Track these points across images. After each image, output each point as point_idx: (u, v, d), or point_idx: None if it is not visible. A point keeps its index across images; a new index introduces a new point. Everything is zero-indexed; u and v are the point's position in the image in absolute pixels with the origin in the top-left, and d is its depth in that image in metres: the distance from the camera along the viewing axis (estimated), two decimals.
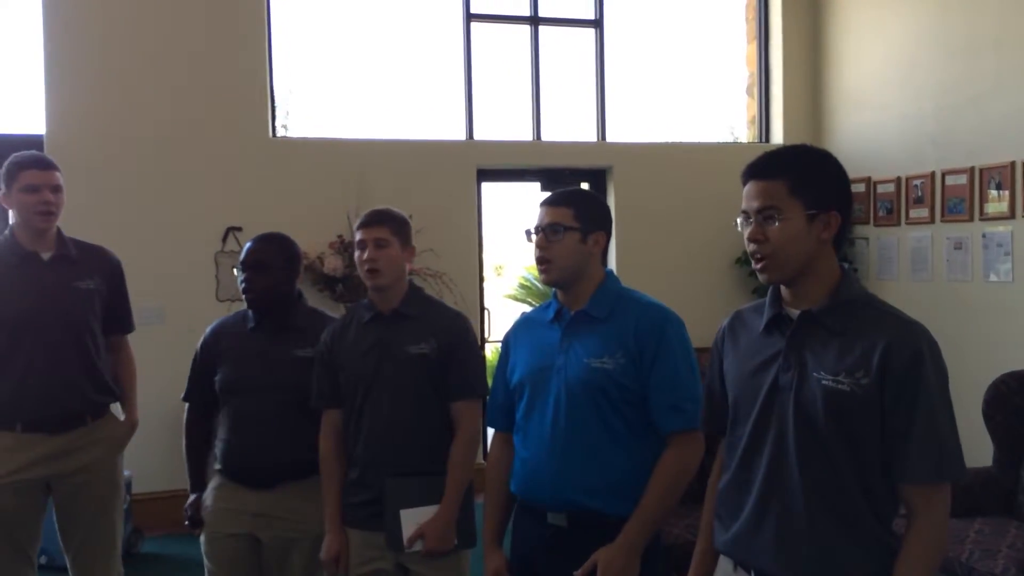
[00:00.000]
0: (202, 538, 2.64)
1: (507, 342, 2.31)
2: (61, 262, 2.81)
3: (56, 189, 2.78)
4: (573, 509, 2.05)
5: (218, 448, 2.65)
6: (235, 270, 2.62)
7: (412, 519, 2.36)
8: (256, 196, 5.12)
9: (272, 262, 2.58)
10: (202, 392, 2.69)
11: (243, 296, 2.60)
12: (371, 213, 2.48)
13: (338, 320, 2.62)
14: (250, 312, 2.64)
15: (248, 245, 2.62)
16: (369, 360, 2.44)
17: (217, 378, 2.63)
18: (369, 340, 2.46)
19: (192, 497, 2.67)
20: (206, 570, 2.64)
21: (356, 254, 2.47)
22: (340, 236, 5.15)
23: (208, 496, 2.64)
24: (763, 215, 1.63)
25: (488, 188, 5.77)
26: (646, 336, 2.05)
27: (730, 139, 6.52)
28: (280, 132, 5.48)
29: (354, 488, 2.48)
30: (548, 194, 2.21)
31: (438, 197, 5.38)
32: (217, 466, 2.66)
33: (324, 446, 2.55)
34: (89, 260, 2.89)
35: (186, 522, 2.67)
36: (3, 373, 2.72)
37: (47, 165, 2.79)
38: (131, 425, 3.01)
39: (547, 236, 2.10)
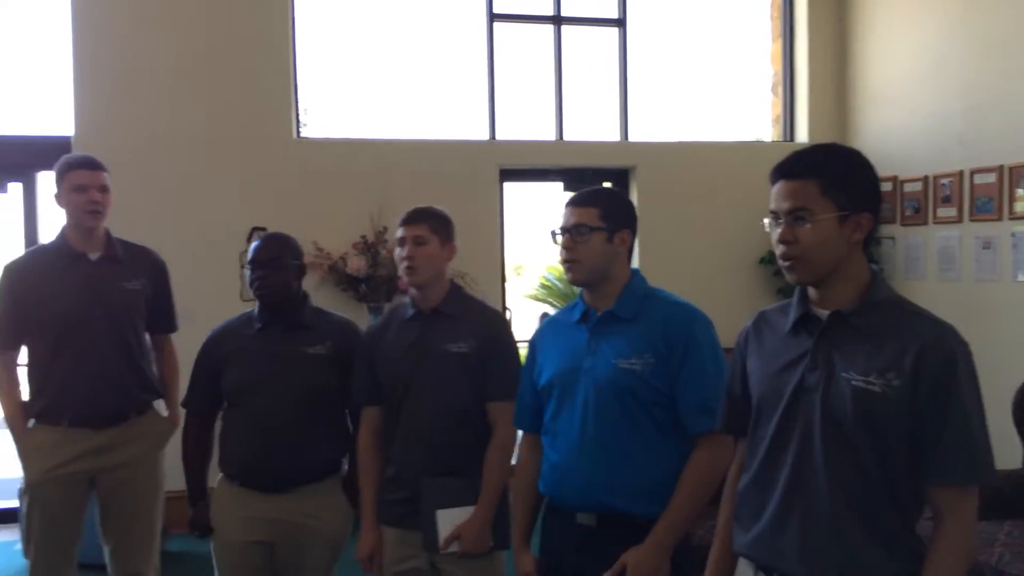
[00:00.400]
0: (212, 544, 2.63)
1: (533, 344, 2.30)
2: (109, 263, 2.88)
3: (103, 189, 2.83)
4: (603, 510, 2.05)
5: (225, 452, 2.61)
6: (245, 269, 2.61)
7: (448, 520, 2.36)
8: (280, 196, 5.15)
9: (284, 259, 2.58)
10: (203, 398, 2.67)
11: (256, 294, 2.58)
12: (412, 211, 2.49)
13: (380, 317, 2.62)
14: (257, 312, 2.63)
15: (257, 244, 2.61)
16: (408, 358, 2.45)
17: (224, 380, 2.60)
18: (409, 338, 2.47)
19: (196, 506, 2.64)
20: None
21: (396, 251, 2.48)
22: (363, 236, 5.16)
23: (218, 502, 2.61)
24: (793, 216, 1.61)
25: (509, 188, 5.77)
26: (674, 336, 2.04)
27: (753, 138, 6.47)
28: (304, 133, 5.51)
29: (390, 486, 2.48)
30: (573, 194, 2.20)
31: (461, 197, 5.35)
32: (224, 471, 2.62)
33: (362, 443, 2.56)
34: (135, 261, 2.95)
35: (195, 533, 2.66)
36: (52, 371, 2.79)
37: (95, 166, 2.85)
38: (173, 422, 3.05)
39: (573, 236, 2.09)
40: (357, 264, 5.09)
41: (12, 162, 5.09)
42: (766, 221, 1.68)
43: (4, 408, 2.88)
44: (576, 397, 2.09)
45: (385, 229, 5.16)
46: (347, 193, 5.25)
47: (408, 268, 2.42)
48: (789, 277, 1.67)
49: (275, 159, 5.21)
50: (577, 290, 2.22)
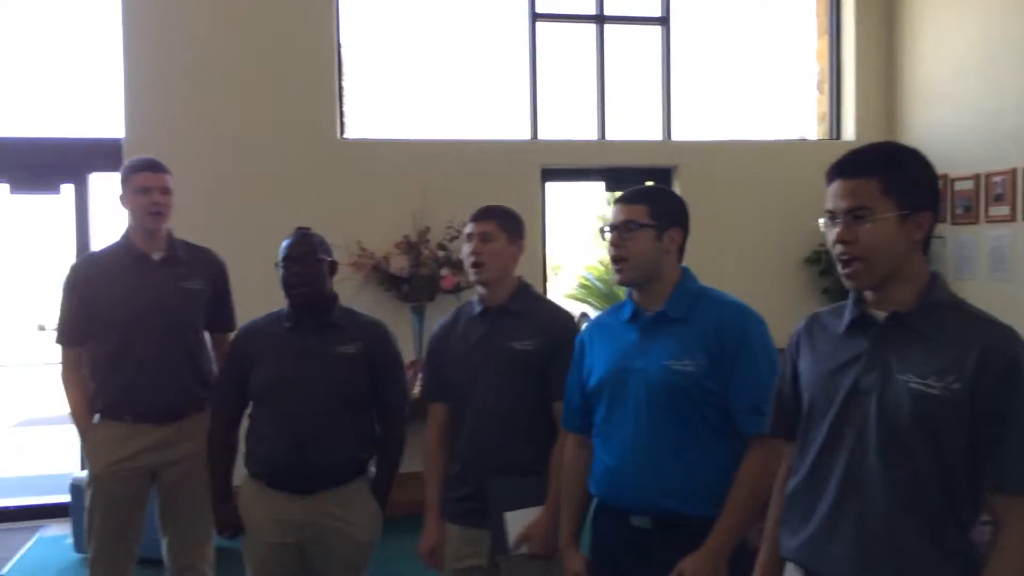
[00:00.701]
0: (242, 543, 2.62)
1: (581, 344, 2.28)
2: (170, 263, 2.94)
3: (165, 191, 2.90)
4: (657, 512, 2.03)
5: (252, 452, 2.59)
6: (277, 267, 2.58)
7: (517, 521, 2.35)
8: (324, 196, 5.19)
9: (316, 256, 2.58)
10: (231, 397, 2.66)
11: (288, 292, 2.57)
12: (481, 208, 2.50)
13: (448, 314, 2.63)
14: (287, 311, 2.61)
15: (289, 241, 2.59)
16: (474, 355, 2.45)
17: (253, 379, 2.58)
18: (476, 335, 2.47)
19: (224, 507, 2.63)
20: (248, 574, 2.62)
21: (463, 247, 2.49)
22: (406, 236, 5.18)
23: (246, 502, 2.60)
24: (852, 215, 1.58)
25: (550, 188, 5.76)
26: (728, 336, 2.02)
27: (797, 137, 6.38)
28: (347, 134, 5.55)
29: (455, 483, 2.49)
30: (623, 192, 2.18)
31: (502, 197, 5.22)
32: (250, 470, 2.61)
33: (429, 440, 2.56)
34: (196, 261, 3.01)
35: (223, 533, 2.65)
36: (115, 368, 2.86)
37: (158, 168, 2.92)
38: None
39: (621, 234, 2.07)
40: (400, 264, 5.11)
41: (65, 164, 5.21)
42: (822, 221, 1.65)
43: (70, 404, 2.95)
44: (628, 399, 2.07)
45: (428, 229, 5.18)
46: (390, 193, 5.28)
47: (474, 264, 2.43)
48: (849, 283, 1.63)
49: (319, 160, 5.26)
50: (619, 290, 2.20)
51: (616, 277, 2.12)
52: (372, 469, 2.68)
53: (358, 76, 5.60)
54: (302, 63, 5.26)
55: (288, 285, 2.56)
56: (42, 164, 5.19)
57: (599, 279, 9.21)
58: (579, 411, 2.25)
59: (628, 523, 2.07)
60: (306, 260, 2.54)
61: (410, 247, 5.16)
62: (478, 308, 2.50)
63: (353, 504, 2.56)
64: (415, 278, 5.13)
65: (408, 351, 4.90)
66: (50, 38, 5.59)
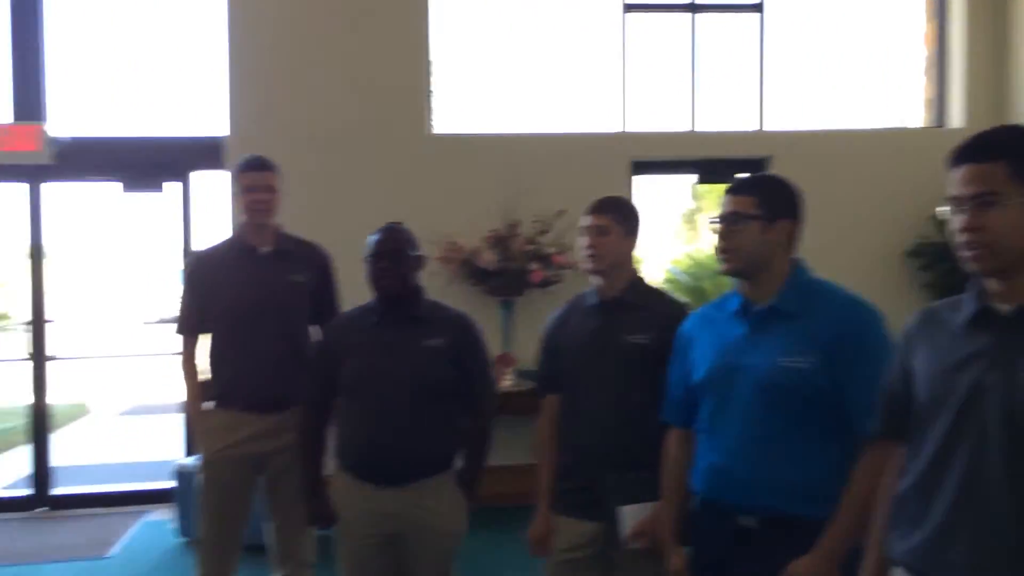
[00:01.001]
0: (334, 534, 2.65)
1: (683, 338, 2.24)
2: (278, 257, 3.04)
3: (269, 189, 3.01)
4: (765, 512, 1.98)
5: (342, 444, 2.62)
6: (366, 262, 2.59)
7: (632, 516, 2.33)
8: (414, 192, 5.24)
9: (404, 251, 2.59)
10: (321, 390, 2.67)
11: (376, 286, 2.58)
12: (597, 201, 2.50)
13: (563, 306, 2.63)
14: (375, 305, 2.63)
15: (377, 236, 2.61)
16: (588, 347, 2.45)
17: (342, 372, 2.59)
18: (590, 327, 2.47)
19: (316, 499, 2.67)
20: (341, 570, 2.65)
21: (578, 239, 2.50)
22: (495, 230, 5.20)
23: (338, 493, 2.63)
24: (980, 201, 1.50)
25: (640, 181, 5.68)
26: (844, 334, 1.94)
27: (896, 124, 6.13)
28: (437, 129, 5.60)
29: (566, 474, 2.49)
30: (733, 183, 2.13)
31: (592, 190, 5.19)
32: (340, 461, 2.63)
33: (541, 431, 2.58)
34: (303, 255, 3.11)
35: (316, 524, 2.71)
36: (226, 358, 3.00)
37: (261, 167, 3.03)
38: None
39: (728, 226, 2.03)
40: (488, 258, 5.12)
41: (170, 162, 5.42)
42: (944, 209, 1.57)
43: (187, 391, 3.10)
44: (736, 396, 2.02)
45: (517, 223, 5.18)
46: (479, 187, 5.30)
47: (589, 256, 2.44)
48: (973, 267, 1.55)
49: (410, 155, 5.32)
50: (707, 284, 2.14)
51: (721, 267, 2.08)
52: (460, 462, 2.69)
53: (448, 70, 5.64)
54: (394, 60, 5.33)
55: (375, 280, 2.58)
56: (150, 163, 5.42)
57: (687, 272, 9.06)
58: (681, 406, 2.21)
59: (734, 521, 2.02)
60: (393, 256, 2.57)
61: (499, 241, 5.16)
62: (593, 300, 2.49)
63: (441, 496, 2.58)
64: (504, 272, 5.13)
65: (496, 345, 4.91)
66: (157, 40, 5.81)
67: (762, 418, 1.98)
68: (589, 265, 2.44)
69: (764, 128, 5.78)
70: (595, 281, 2.48)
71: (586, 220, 2.46)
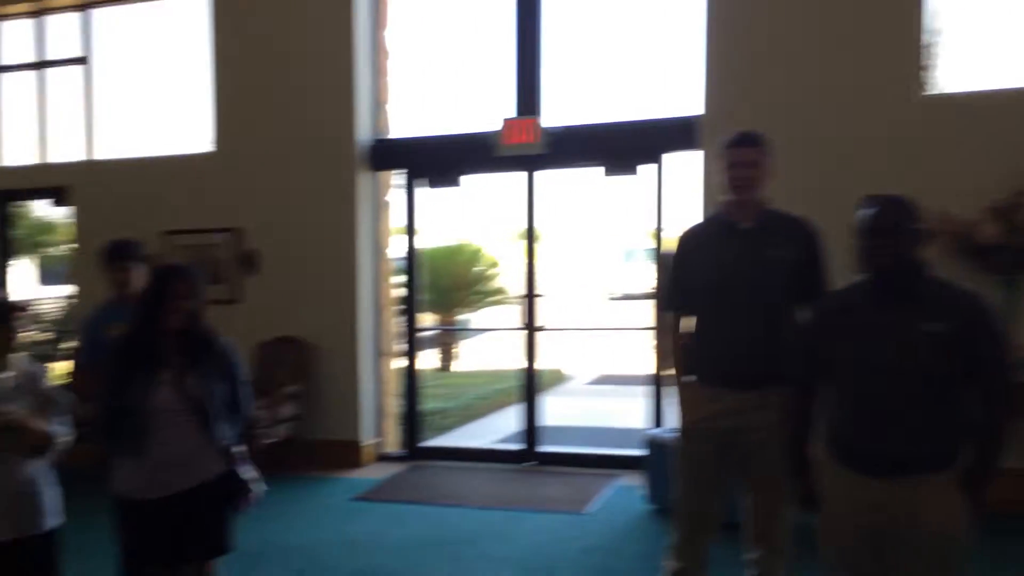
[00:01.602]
0: (818, 519, 2.56)
1: None
2: (758, 232, 3.02)
3: (751, 164, 2.98)
4: None
5: (830, 429, 2.51)
6: (858, 238, 2.40)
7: None
8: (904, 160, 4.83)
9: (902, 226, 2.36)
10: (806, 371, 2.60)
11: (868, 265, 2.40)
12: None
13: None
14: (868, 284, 2.43)
15: (872, 211, 2.39)
16: None
17: (833, 355, 2.47)
18: None
19: (803, 481, 2.61)
20: (826, 564, 2.55)
21: None
22: (997, 200, 4.55)
23: (824, 479, 2.54)
24: None
25: None
26: None
27: None
28: (934, 89, 5.06)
29: None
30: None
31: None
32: (827, 447, 2.51)
33: None
34: (785, 230, 3.04)
35: (800, 507, 2.63)
36: (705, 334, 3.06)
37: (743, 143, 3.02)
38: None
39: None
40: (989, 232, 4.51)
41: (644, 145, 5.67)
42: None
43: (674, 363, 3.22)
44: None
45: (1023, 191, 4.46)
46: (979, 152, 4.70)
47: None
48: None
49: (900, 120, 4.92)
50: None
51: None
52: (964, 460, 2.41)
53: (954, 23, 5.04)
54: (883, 15, 4.95)
55: (868, 258, 2.40)
56: (627, 147, 5.74)
57: None
58: None
59: None
60: (889, 232, 2.36)
61: (1001, 213, 4.51)
62: None
63: (936, 496, 2.35)
64: (1006, 248, 4.51)
65: None
66: (634, 25, 6.11)
67: None
68: None
69: None
70: None
71: None
